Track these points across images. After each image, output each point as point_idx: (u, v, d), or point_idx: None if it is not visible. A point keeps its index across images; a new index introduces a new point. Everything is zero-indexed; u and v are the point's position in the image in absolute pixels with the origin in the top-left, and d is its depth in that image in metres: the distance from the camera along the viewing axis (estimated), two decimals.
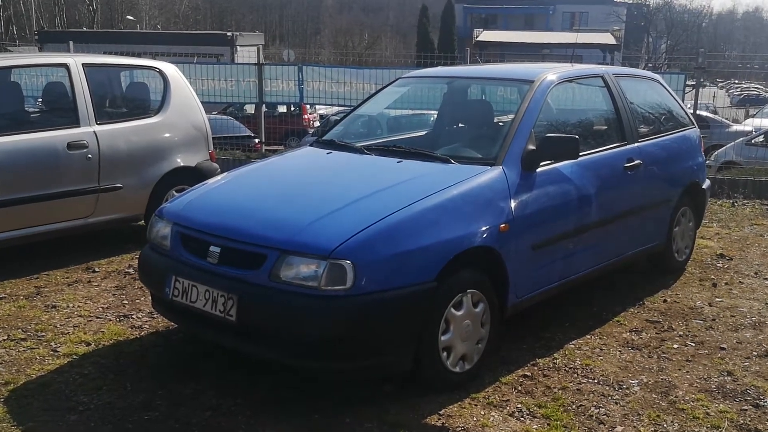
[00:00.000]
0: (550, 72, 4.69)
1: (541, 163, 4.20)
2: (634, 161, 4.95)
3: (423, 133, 5.39)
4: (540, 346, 4.32)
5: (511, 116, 4.38)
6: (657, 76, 6.07)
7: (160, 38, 26.10)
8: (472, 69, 6.20)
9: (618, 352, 4.30)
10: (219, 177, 4.68)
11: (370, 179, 4.06)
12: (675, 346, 4.41)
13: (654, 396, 3.77)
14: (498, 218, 3.86)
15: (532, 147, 4.16)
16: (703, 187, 5.99)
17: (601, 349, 4.33)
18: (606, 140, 4.93)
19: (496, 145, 4.17)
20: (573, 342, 4.41)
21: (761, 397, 3.76)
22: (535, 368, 4.04)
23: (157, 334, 4.44)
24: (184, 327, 4.08)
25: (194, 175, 6.12)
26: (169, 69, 6.56)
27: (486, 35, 27.91)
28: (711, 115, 18.94)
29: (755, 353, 4.32)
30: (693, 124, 6.00)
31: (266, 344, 3.44)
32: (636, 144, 5.06)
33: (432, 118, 5.74)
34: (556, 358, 4.17)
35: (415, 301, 3.41)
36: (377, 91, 5.50)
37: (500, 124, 4.77)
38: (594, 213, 4.57)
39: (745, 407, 3.66)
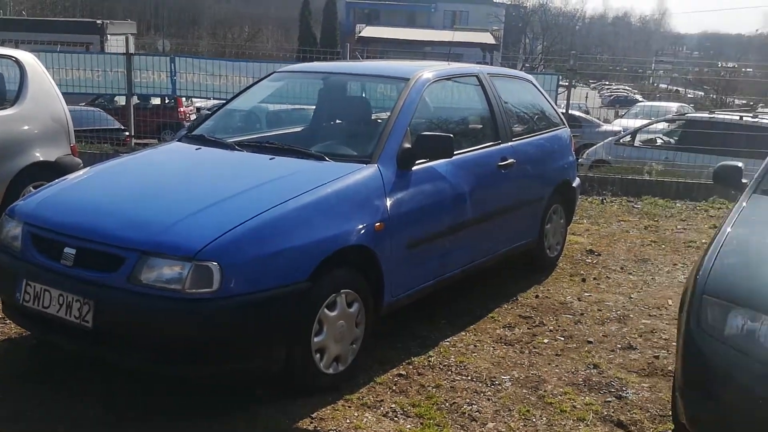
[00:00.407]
0: (426, 70, 4.69)
1: (417, 162, 4.19)
2: (507, 160, 5.04)
3: (298, 129, 5.28)
4: (415, 344, 4.32)
5: (388, 114, 4.35)
6: (530, 77, 6.22)
7: (24, 25, 24.52)
8: (348, 65, 6.14)
9: (491, 348, 4.36)
10: (78, 173, 4.39)
11: (239, 177, 3.91)
12: (545, 340, 4.52)
13: (524, 391, 3.83)
14: (373, 217, 3.81)
15: (407, 145, 4.14)
16: (574, 185, 6.19)
17: (475, 346, 4.38)
18: (481, 139, 4.99)
19: (372, 143, 4.12)
20: (448, 339, 4.44)
21: (624, 389, 3.90)
22: (410, 367, 4.03)
23: (10, 341, 4.12)
24: (38, 333, 3.79)
25: (54, 171, 5.74)
26: (26, 57, 6.13)
27: (369, 31, 28.03)
28: (583, 115, 19.83)
29: (619, 346, 4.49)
30: (564, 124, 6.19)
31: (126, 350, 3.24)
32: (510, 143, 5.15)
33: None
34: (431, 356, 4.18)
35: (287, 302, 3.31)
36: (250, 85, 5.34)
37: (378, 121, 4.73)
38: (469, 211, 4.62)
39: (609, 399, 3.79)
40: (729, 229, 3.27)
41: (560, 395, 3.80)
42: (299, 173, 3.88)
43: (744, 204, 3.48)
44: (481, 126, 5.14)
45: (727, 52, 61.11)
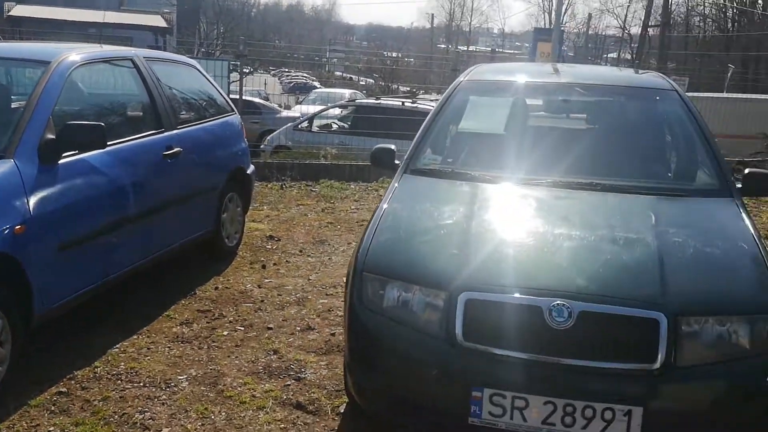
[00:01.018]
0: (73, 53, 4.24)
1: (65, 154, 3.77)
2: (173, 149, 4.79)
3: None
4: (78, 356, 3.90)
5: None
6: (193, 62, 5.99)
7: None
8: None
9: (167, 349, 4.12)
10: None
11: None
12: (225, 333, 4.39)
13: (203, 388, 3.67)
14: (12, 219, 3.33)
15: (51, 136, 3.69)
16: (248, 172, 6.13)
17: (149, 349, 4.10)
18: (141, 128, 4.66)
19: (6, 135, 3.60)
20: (117, 345, 4.09)
21: (303, 370, 3.93)
22: (72, 382, 3.63)
23: None
24: None
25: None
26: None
27: (20, 10, 25.25)
28: (263, 102, 20.04)
29: (299, 328, 4.53)
30: (233, 111, 6.08)
31: None
32: (175, 131, 4.90)
33: None
34: (97, 367, 3.81)
35: None
36: None
37: (18, 110, 4.16)
38: (132, 205, 4.29)
39: (289, 382, 3.78)
40: (384, 207, 3.42)
41: (240, 387, 3.71)
42: None
43: (396, 184, 3.68)
44: (140, 114, 4.80)
45: (390, 43, 66.23)
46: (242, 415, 3.44)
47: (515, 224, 3.21)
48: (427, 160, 3.89)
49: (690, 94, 20.83)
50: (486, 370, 2.64)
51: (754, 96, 20.52)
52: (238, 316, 4.68)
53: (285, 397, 3.63)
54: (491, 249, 2.97)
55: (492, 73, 4.59)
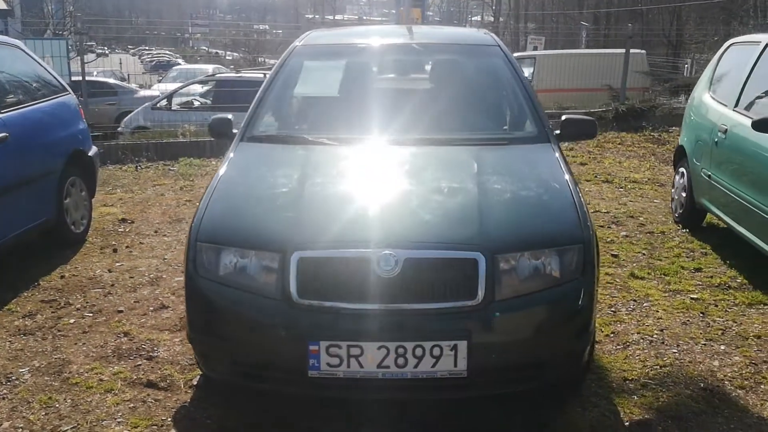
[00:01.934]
0: None
1: None
2: None
3: None
4: None
5: None
6: (17, 42, 5.64)
7: None
8: None
9: (8, 344, 3.94)
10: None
11: None
12: (71, 321, 4.24)
13: (47, 378, 3.54)
14: None
15: None
16: (90, 154, 5.89)
17: None
18: None
19: None
20: None
21: (155, 349, 3.87)
22: None
23: None
24: None
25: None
26: None
27: None
28: (119, 83, 19.23)
29: (151, 308, 4.44)
30: (67, 91, 5.81)
31: None
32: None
33: None
34: None
35: None
36: None
37: None
38: None
39: (140, 362, 3.72)
40: (219, 176, 3.40)
41: (87, 372, 3.61)
42: None
43: (231, 153, 3.65)
44: None
45: (253, 15, 64.92)
46: (89, 399, 3.35)
47: (345, 183, 3.28)
48: (264, 127, 3.88)
49: (542, 52, 21.75)
50: (321, 324, 2.71)
51: (598, 51, 21.70)
52: (87, 302, 4.53)
53: (135, 377, 3.56)
54: (321, 208, 3.02)
55: (326, 38, 4.61)
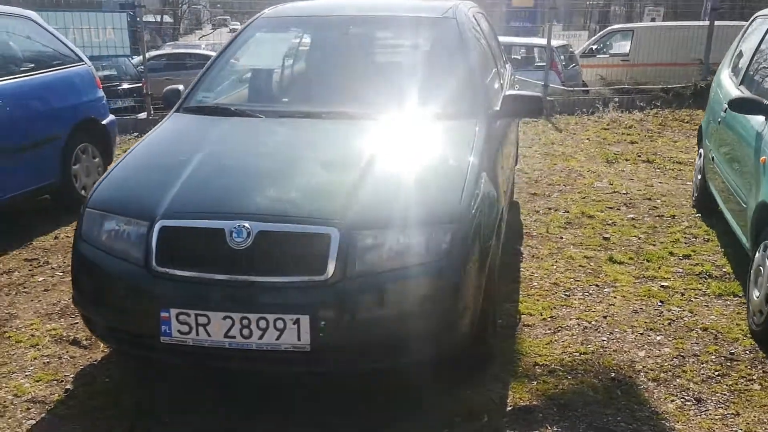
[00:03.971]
0: None
1: None
2: None
3: None
4: None
5: None
6: (31, 14, 5.94)
7: None
8: None
9: None
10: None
11: None
12: (41, 279, 4.52)
13: None
14: None
15: None
16: (104, 122, 6.16)
17: None
18: None
19: None
20: None
21: None
22: None
23: None
24: None
25: None
26: None
27: None
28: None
29: None
30: (82, 61, 6.09)
31: None
32: None
33: None
34: None
35: None
36: None
37: None
38: None
39: (77, 321, 3.86)
40: (136, 145, 3.52)
41: (25, 328, 3.84)
42: None
43: (162, 123, 3.76)
44: None
45: None
46: (12, 353, 3.57)
47: (233, 156, 3.32)
48: (200, 98, 3.95)
49: (641, 24, 20.61)
50: (172, 292, 2.76)
51: (697, 23, 20.36)
52: (64, 262, 4.79)
53: (65, 335, 3.76)
54: (196, 179, 3.06)
55: (285, 10, 4.60)
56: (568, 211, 5.76)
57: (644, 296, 4.13)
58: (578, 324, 3.79)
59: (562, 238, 5.14)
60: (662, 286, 4.27)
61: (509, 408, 3.04)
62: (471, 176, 3.07)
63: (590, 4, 34.56)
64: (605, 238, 5.11)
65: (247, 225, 2.73)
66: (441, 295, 2.79)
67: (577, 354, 3.48)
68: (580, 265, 4.60)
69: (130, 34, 10.14)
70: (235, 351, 2.74)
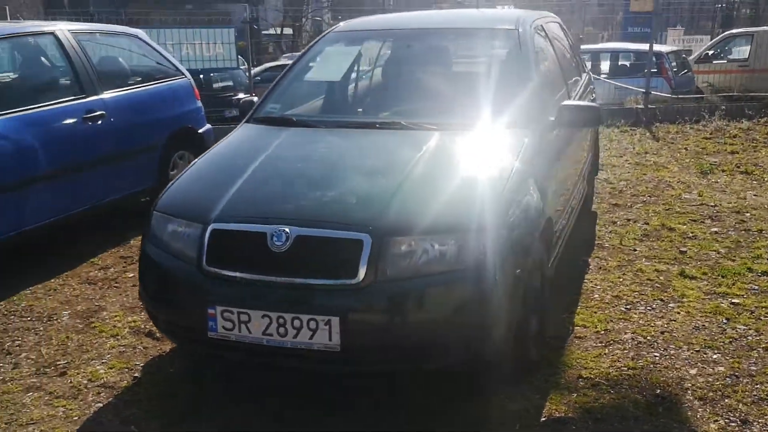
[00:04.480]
0: None
1: None
2: (95, 112, 5.29)
3: None
4: None
5: None
6: (138, 32, 6.44)
7: None
8: None
9: (71, 290, 4.66)
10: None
11: None
12: (131, 275, 4.89)
13: (77, 321, 4.18)
14: None
15: None
16: (200, 131, 6.58)
17: (56, 290, 4.66)
18: (58, 95, 5.19)
19: None
20: (32, 287, 4.67)
21: None
22: None
23: None
24: None
25: None
26: None
27: None
28: None
29: None
30: (182, 75, 6.53)
31: None
32: (98, 96, 5.40)
33: None
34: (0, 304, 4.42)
35: None
36: None
37: None
38: (42, 165, 4.83)
39: None
40: (206, 153, 3.80)
41: (110, 319, 4.20)
42: None
43: (233, 133, 4.02)
44: (60, 82, 5.34)
45: None
46: (94, 341, 3.92)
47: (282, 163, 3.51)
48: (268, 109, 4.19)
49: (762, 28, 19.56)
50: (219, 290, 2.97)
51: None
52: None
53: (143, 327, 4.08)
54: (247, 186, 3.27)
55: (355, 24, 4.78)
56: (647, 223, 5.62)
57: (710, 313, 4.00)
58: (632, 338, 3.73)
59: (635, 250, 5.03)
60: (732, 303, 4.12)
61: (543, 418, 3.06)
62: (511, 186, 3.12)
63: (717, 7, 32.92)
64: (682, 252, 4.96)
65: (287, 230, 2.90)
66: (470, 303, 2.86)
67: (625, 369, 3.43)
68: (648, 279, 4.50)
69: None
70: (272, 348, 2.92)
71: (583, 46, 16.83)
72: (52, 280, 4.82)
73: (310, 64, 4.47)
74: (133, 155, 5.72)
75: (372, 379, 3.32)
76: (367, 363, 2.95)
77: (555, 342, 3.71)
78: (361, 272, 2.81)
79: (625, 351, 3.60)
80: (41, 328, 4.11)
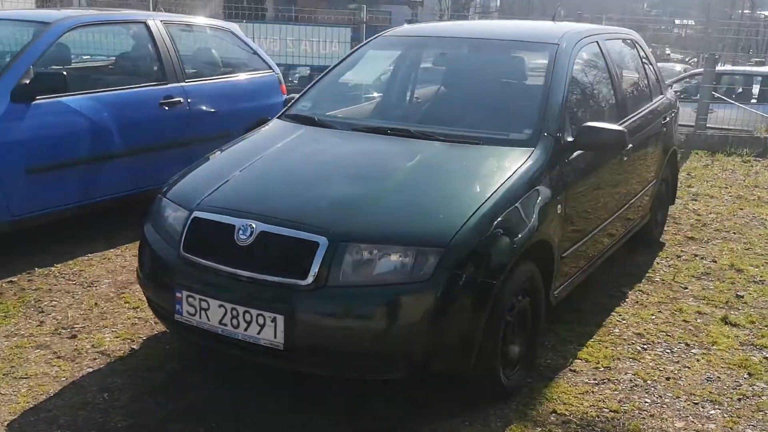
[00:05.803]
0: (69, 17, 5.23)
1: (40, 96, 4.76)
2: (173, 98, 5.64)
3: None
4: (54, 258, 4.91)
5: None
6: (231, 26, 6.75)
7: None
8: None
9: (123, 260, 5.00)
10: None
11: None
12: None
13: (112, 290, 4.47)
14: None
15: (25, 81, 4.71)
16: None
17: (110, 260, 5.00)
18: (140, 80, 5.57)
19: None
20: (90, 255, 5.04)
21: None
22: (27, 275, 4.62)
23: None
24: None
25: None
26: None
27: None
28: None
29: None
30: (271, 69, 6.79)
31: None
32: (179, 84, 5.74)
33: None
34: (56, 267, 4.79)
35: None
36: None
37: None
38: (116, 143, 5.21)
39: None
40: (226, 144, 3.98)
41: (138, 293, 4.37)
42: None
43: (262, 127, 4.17)
44: (144, 68, 5.72)
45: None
46: (116, 311, 4.19)
47: (280, 161, 3.59)
48: (300, 107, 4.28)
49: None
50: (187, 276, 3.11)
51: None
52: None
53: None
54: (238, 179, 3.39)
55: (401, 31, 4.76)
56: (715, 261, 5.19)
57: (734, 365, 3.66)
58: (631, 380, 3.48)
59: (686, 288, 4.67)
60: (766, 358, 3.74)
61: None
62: (490, 204, 3.02)
63: None
64: (738, 296, 4.55)
65: (253, 224, 2.99)
66: (419, 317, 2.81)
67: (607, 410, 3.22)
68: (684, 320, 4.18)
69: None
70: (226, 338, 3.01)
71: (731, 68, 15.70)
72: (111, 250, 5.18)
73: (351, 67, 4.52)
74: (207, 142, 5.98)
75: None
76: (308, 364, 2.97)
77: (546, 371, 3.54)
78: (312, 274, 2.83)
79: (616, 392, 3.38)
80: (79, 293, 4.44)
